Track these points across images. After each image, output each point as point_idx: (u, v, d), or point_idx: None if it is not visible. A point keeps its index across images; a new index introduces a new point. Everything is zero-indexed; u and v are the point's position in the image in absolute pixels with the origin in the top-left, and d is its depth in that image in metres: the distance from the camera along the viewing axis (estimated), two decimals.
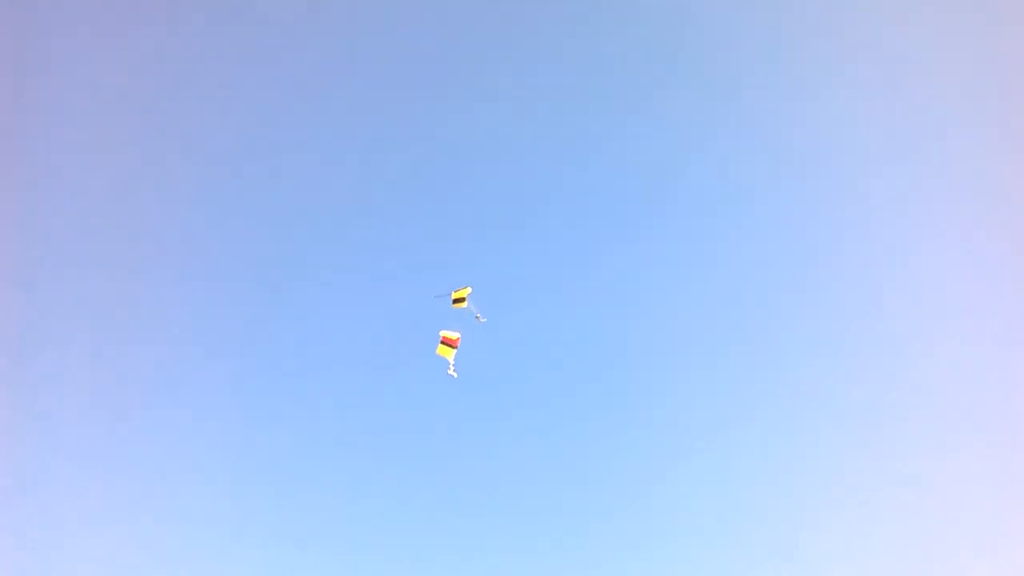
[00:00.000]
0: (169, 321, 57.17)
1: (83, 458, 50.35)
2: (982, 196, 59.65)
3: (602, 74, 65.95)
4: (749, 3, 63.87)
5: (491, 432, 58.71)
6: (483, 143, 66.42)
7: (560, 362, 62.79)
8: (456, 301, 38.80)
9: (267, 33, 61.48)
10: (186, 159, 60.24)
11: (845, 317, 60.61)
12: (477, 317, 39.20)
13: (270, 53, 62.11)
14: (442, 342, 38.88)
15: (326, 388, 59.03)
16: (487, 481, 56.45)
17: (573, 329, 63.41)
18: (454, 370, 39.28)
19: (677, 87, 65.83)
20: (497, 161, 66.07)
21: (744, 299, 62.62)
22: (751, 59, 64.46)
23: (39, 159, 54.77)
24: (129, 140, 58.67)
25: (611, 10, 64.57)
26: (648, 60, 65.65)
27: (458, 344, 38.96)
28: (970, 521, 50.16)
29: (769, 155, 64.42)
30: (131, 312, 56.21)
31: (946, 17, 60.05)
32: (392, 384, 59.58)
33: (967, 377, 55.90)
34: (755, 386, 59.58)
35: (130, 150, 58.55)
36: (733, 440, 57.39)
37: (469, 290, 38.51)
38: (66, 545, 46.84)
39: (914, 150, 62.07)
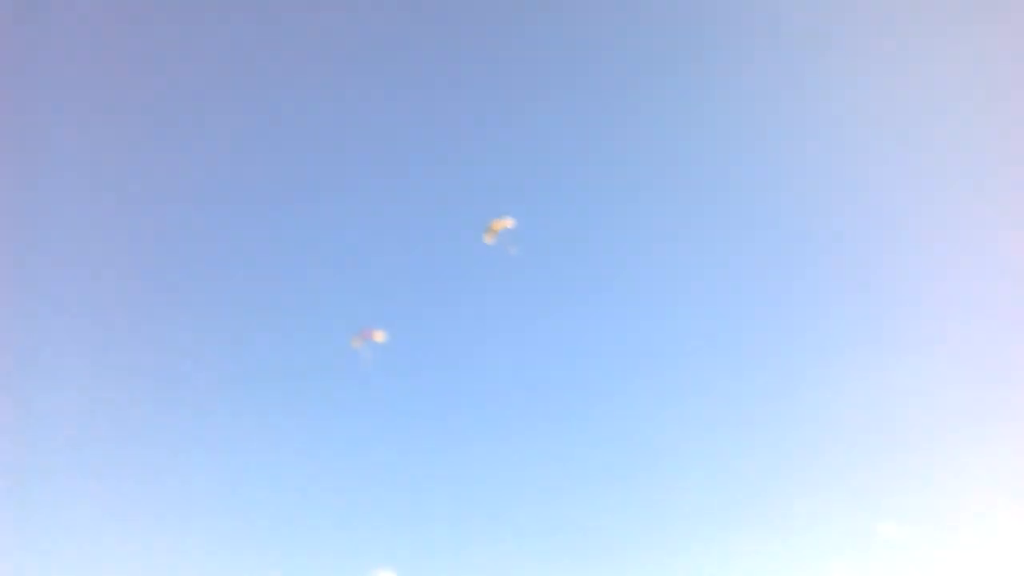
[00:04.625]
0: (167, 321, 57.29)
1: (81, 457, 50.31)
2: (984, 195, 59.77)
3: (599, 70, 66.14)
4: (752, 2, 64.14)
5: (488, 433, 58.72)
6: (475, 144, 66.58)
7: (562, 362, 62.83)
8: (490, 232, 37.51)
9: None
10: (182, 159, 60.52)
11: (849, 317, 60.74)
12: None
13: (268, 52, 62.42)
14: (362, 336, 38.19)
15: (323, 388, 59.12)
16: (482, 483, 56.44)
17: (575, 330, 63.47)
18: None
19: (674, 82, 66.00)
20: (496, 162, 66.23)
21: (746, 299, 62.77)
22: (751, 55, 64.62)
23: (39, 159, 54.97)
24: (128, 140, 58.95)
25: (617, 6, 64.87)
26: (644, 54, 65.82)
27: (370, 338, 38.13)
28: (972, 521, 50.18)
29: (769, 154, 64.62)
30: (130, 312, 56.32)
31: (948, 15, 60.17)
32: (391, 384, 59.58)
33: (968, 377, 55.99)
34: (756, 385, 59.61)
35: (129, 150, 58.81)
36: (733, 439, 57.43)
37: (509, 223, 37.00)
38: (65, 545, 46.79)
39: (915, 148, 62.22)
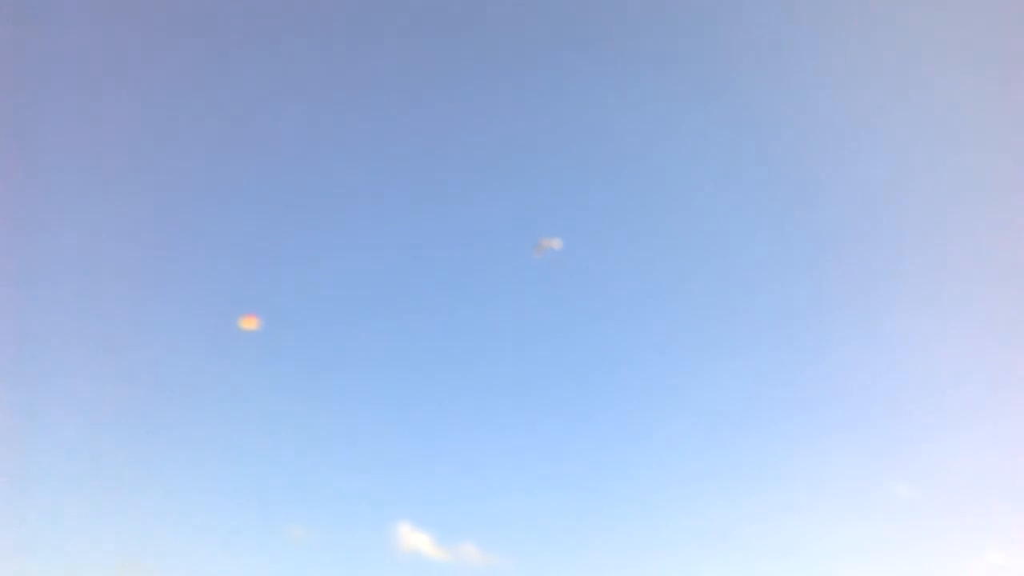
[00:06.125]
0: (166, 321, 57.34)
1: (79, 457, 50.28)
2: (984, 195, 59.87)
3: (603, 74, 66.41)
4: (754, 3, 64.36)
5: (490, 435, 58.86)
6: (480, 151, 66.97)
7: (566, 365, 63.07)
8: (539, 248, 40.31)
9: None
10: (182, 160, 60.72)
11: (849, 318, 60.93)
12: None
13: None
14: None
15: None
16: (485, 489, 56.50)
17: (579, 333, 63.65)
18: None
19: (678, 83, 66.22)
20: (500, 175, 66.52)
21: (746, 300, 62.99)
22: (754, 55, 64.76)
23: (38, 159, 55.03)
24: (129, 140, 59.10)
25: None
26: (646, 57, 66.04)
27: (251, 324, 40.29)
28: (971, 522, 50.16)
29: (770, 154, 64.81)
30: (130, 313, 56.37)
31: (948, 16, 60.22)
32: (343, 370, 60.14)
33: (968, 377, 56.02)
34: (782, 355, 60.19)
35: (129, 150, 58.95)
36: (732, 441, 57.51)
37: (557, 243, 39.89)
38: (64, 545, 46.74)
39: (917, 149, 62.32)
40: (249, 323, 39.68)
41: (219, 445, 52.39)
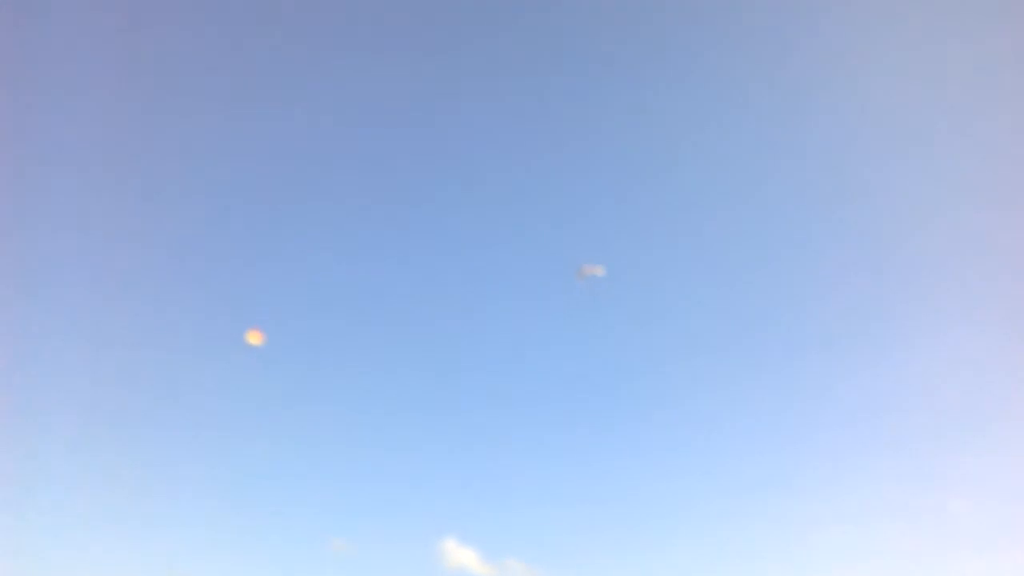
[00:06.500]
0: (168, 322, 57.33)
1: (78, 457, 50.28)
2: (983, 193, 59.72)
3: (600, 73, 66.42)
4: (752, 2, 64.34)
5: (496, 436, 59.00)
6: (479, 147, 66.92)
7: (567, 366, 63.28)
8: (581, 273, 41.04)
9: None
10: (183, 159, 60.74)
11: (848, 315, 60.83)
12: None
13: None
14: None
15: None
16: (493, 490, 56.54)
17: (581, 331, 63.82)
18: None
19: (677, 82, 66.26)
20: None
21: (743, 297, 63.02)
22: (752, 56, 64.77)
23: (40, 162, 55.01)
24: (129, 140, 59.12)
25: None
26: (647, 56, 66.07)
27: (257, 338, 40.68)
28: (970, 521, 50.00)
29: (769, 153, 64.81)
30: (130, 313, 56.34)
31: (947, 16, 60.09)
32: (391, 384, 60.09)
33: (967, 376, 55.85)
34: (836, 364, 60.12)
35: (130, 150, 58.95)
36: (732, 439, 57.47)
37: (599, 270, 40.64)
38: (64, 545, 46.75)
39: (915, 147, 62.22)
40: (255, 338, 39.56)
41: (265, 458, 52.98)
